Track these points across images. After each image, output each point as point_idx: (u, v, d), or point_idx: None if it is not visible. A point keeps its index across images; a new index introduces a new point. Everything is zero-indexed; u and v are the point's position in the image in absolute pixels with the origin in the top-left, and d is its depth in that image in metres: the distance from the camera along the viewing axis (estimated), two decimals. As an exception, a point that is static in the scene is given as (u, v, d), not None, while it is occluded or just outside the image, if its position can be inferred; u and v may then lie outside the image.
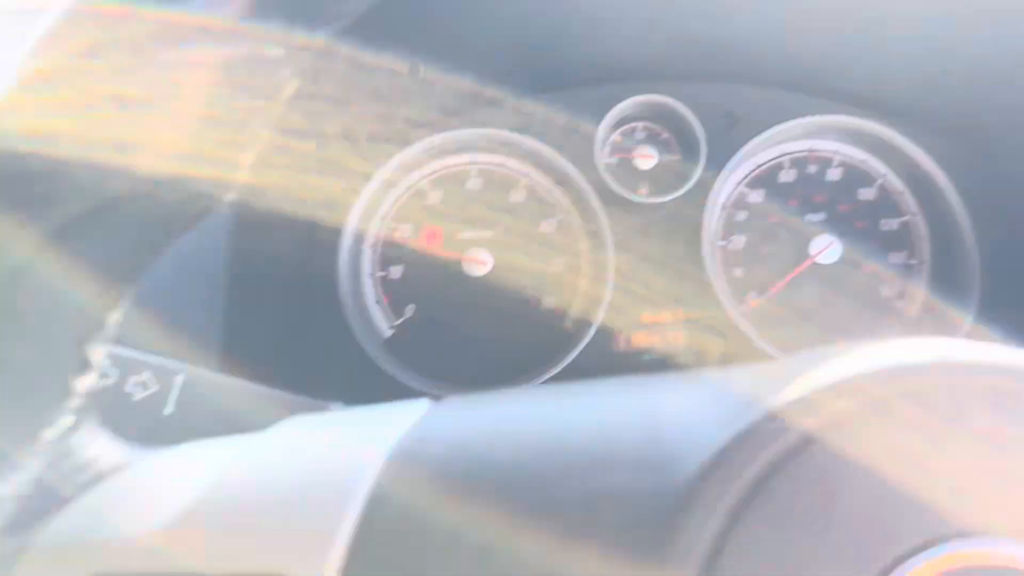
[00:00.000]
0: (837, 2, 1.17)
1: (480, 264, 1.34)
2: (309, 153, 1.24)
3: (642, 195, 1.38)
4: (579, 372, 1.31)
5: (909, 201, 1.41)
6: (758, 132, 1.37)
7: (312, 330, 1.30)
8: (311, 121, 1.13)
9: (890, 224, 1.40)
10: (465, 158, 1.40)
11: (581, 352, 1.31)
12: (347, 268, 1.33)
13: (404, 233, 1.37)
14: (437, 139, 1.35)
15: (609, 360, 1.36)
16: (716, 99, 1.38)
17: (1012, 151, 1.28)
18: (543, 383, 1.29)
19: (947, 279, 1.37)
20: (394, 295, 1.36)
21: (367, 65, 1.15)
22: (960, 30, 1.13)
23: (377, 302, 1.36)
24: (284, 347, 1.28)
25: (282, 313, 1.30)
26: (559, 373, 1.30)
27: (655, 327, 1.37)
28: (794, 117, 1.37)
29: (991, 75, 1.20)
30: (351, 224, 1.33)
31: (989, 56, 1.17)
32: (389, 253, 1.37)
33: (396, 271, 1.37)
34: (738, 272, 1.39)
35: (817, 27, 1.24)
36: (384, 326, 1.35)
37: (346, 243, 1.32)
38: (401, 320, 1.36)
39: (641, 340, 1.37)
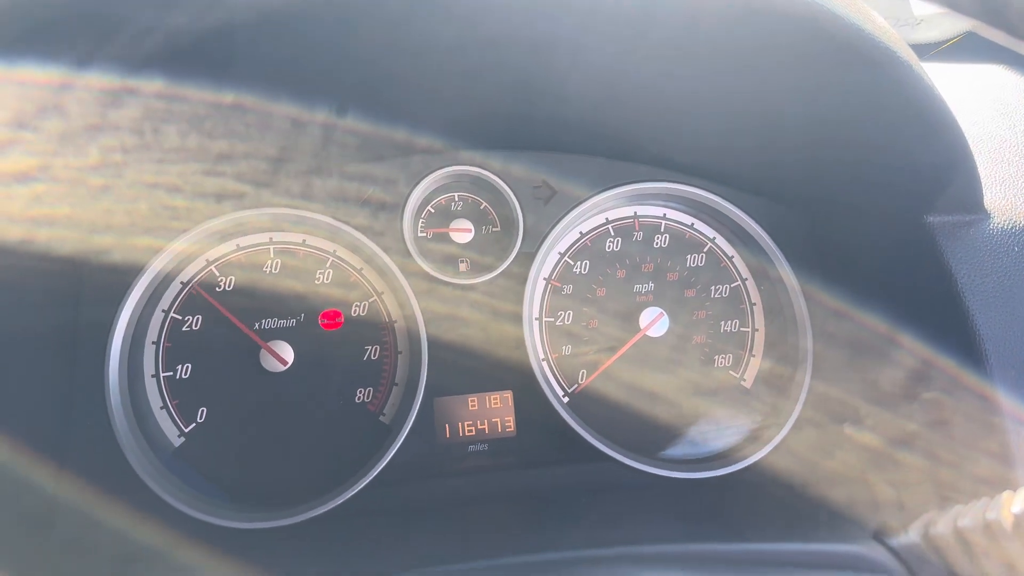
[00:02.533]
0: (654, 79, 1.09)
1: (280, 358, 1.20)
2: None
3: (459, 273, 1.27)
4: (401, 469, 1.18)
5: (739, 266, 1.35)
6: (580, 201, 1.29)
7: (65, 448, 1.11)
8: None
9: (721, 291, 1.34)
10: (263, 237, 1.26)
11: (401, 447, 1.18)
12: (120, 368, 1.15)
13: (192, 326, 1.21)
14: (226, 220, 1.20)
15: (432, 454, 1.23)
16: (533, 169, 1.29)
17: (834, 217, 1.24)
18: (365, 487, 1.15)
19: (780, 344, 1.31)
20: (181, 399, 1.19)
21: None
22: (780, 102, 1.08)
23: (163, 407, 1.19)
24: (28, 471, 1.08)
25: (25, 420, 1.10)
26: (380, 473, 1.16)
27: (482, 415, 1.25)
28: (616, 184, 1.30)
29: (809, 144, 1.16)
30: (126, 316, 1.16)
31: (809, 126, 1.12)
32: (175, 350, 1.20)
33: (184, 371, 1.20)
34: (567, 349, 1.29)
35: (637, 100, 1.17)
36: (173, 434, 1.18)
37: (118, 339, 1.15)
38: (193, 426, 1.19)
39: (467, 430, 1.25)
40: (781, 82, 1.02)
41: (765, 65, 0.98)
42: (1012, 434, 0.91)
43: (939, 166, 1.00)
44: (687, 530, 0.84)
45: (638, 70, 1.06)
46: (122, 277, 1.16)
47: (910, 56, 0.90)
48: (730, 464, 1.19)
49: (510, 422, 1.25)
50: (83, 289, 1.16)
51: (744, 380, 1.32)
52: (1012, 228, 1.06)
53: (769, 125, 1.11)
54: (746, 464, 1.19)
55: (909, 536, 0.74)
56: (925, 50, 1.67)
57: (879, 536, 0.74)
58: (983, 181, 1.11)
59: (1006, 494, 0.75)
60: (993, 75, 1.50)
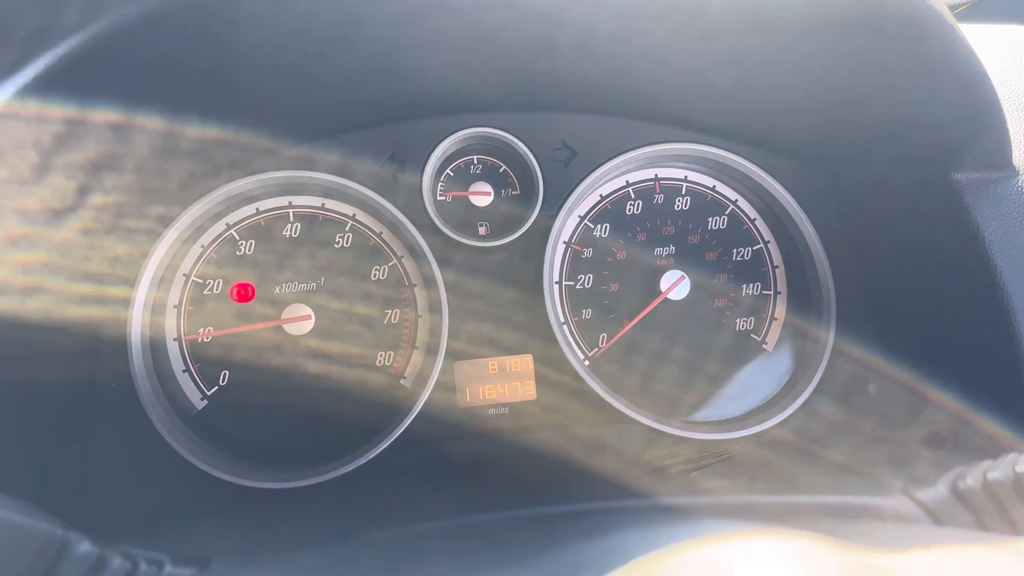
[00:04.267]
0: (675, 39, 1.07)
1: (300, 321, 1.20)
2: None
3: (479, 236, 1.27)
4: (422, 432, 1.19)
5: (761, 229, 1.34)
6: (600, 163, 1.28)
7: (92, 416, 1.12)
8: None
9: (743, 254, 1.33)
10: (283, 201, 1.26)
11: (421, 411, 1.18)
12: (143, 332, 1.16)
13: (213, 290, 1.22)
14: (248, 182, 1.20)
15: (453, 416, 1.23)
16: (552, 131, 1.28)
17: (858, 176, 1.22)
18: (386, 448, 1.15)
19: (803, 307, 1.30)
20: (204, 362, 1.20)
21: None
22: (804, 60, 1.06)
23: (185, 370, 1.20)
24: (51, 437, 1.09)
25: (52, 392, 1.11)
26: (400, 437, 1.17)
27: (502, 378, 1.25)
28: (637, 146, 1.28)
29: (835, 104, 1.14)
30: (147, 281, 1.17)
31: (832, 87, 1.10)
32: (196, 313, 1.21)
33: (206, 333, 1.21)
34: (587, 313, 1.29)
35: (657, 60, 1.15)
36: (196, 397, 1.19)
37: (139, 303, 1.15)
38: (215, 389, 1.20)
39: (487, 393, 1.25)
40: (806, 41, 1.01)
41: (789, 24, 0.96)
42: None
43: (968, 122, 0.99)
44: (714, 483, 0.84)
45: (659, 30, 1.05)
46: (144, 240, 1.16)
47: (940, 7, 0.88)
48: (753, 426, 1.18)
49: (531, 386, 1.25)
50: (106, 255, 1.16)
51: (766, 343, 1.31)
52: (1041, 185, 1.04)
53: (793, 84, 1.10)
54: (770, 425, 1.18)
55: (938, 490, 0.74)
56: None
57: (907, 490, 0.74)
58: (1014, 137, 1.09)
59: None
60: (1017, 34, 1.47)
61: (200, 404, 1.19)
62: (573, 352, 1.23)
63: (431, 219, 1.23)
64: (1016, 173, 1.06)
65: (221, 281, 1.22)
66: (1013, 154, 1.06)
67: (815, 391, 1.21)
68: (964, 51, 0.90)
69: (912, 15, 0.86)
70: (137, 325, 1.15)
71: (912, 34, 0.90)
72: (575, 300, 1.29)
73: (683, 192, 1.33)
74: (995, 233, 1.00)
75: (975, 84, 0.93)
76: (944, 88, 0.95)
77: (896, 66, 0.97)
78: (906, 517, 0.70)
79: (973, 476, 0.75)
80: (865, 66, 1.01)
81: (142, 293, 1.16)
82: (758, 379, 1.29)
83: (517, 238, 1.25)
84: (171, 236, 1.17)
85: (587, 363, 1.27)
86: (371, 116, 1.24)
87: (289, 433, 1.20)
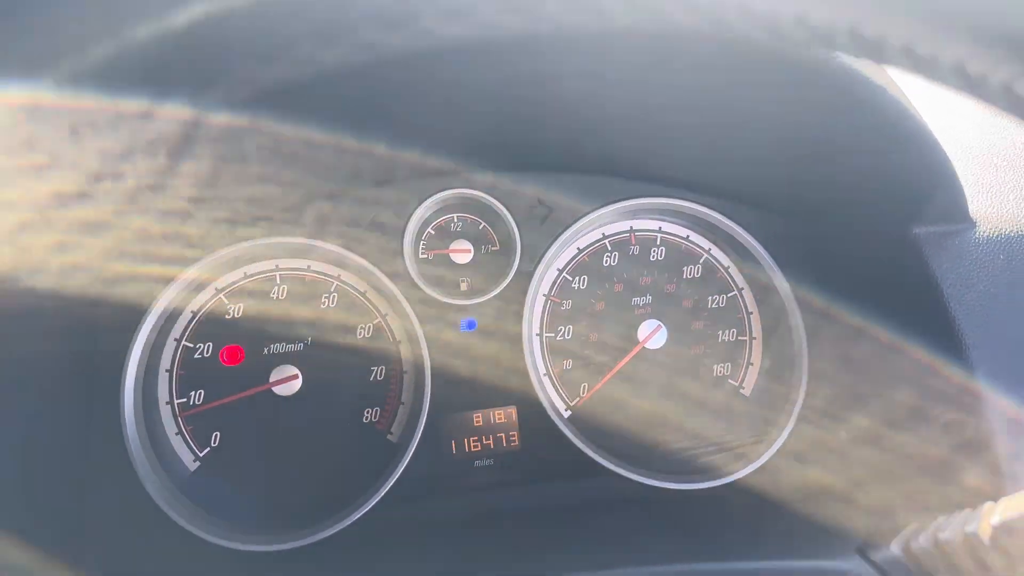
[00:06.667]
0: (649, 105, 1.12)
1: (289, 382, 1.24)
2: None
3: (460, 293, 1.31)
4: (410, 486, 1.22)
5: (735, 276, 1.38)
6: (576, 219, 1.32)
7: (85, 480, 1.16)
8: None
9: (718, 301, 1.37)
10: (270, 264, 1.30)
11: (407, 466, 1.22)
12: (135, 397, 1.20)
13: (203, 353, 1.25)
14: (237, 248, 1.24)
15: (440, 470, 1.27)
16: (529, 189, 1.32)
17: (824, 228, 1.26)
18: (375, 505, 1.19)
19: (777, 352, 1.34)
20: (196, 425, 1.24)
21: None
22: (767, 123, 1.11)
23: (178, 433, 1.23)
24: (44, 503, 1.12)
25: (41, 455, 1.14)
26: (389, 491, 1.20)
27: (486, 430, 1.29)
28: (612, 201, 1.33)
29: (799, 163, 1.18)
30: (139, 346, 1.20)
31: (796, 148, 1.14)
32: (187, 377, 1.25)
33: (197, 397, 1.24)
34: (568, 364, 1.33)
35: (629, 121, 1.19)
36: (188, 459, 1.23)
37: (132, 368, 1.19)
38: (207, 450, 1.23)
39: (472, 446, 1.28)
40: (767, 106, 1.05)
41: (752, 92, 1.01)
42: (999, 444, 0.94)
43: (920, 182, 1.03)
44: (677, 548, 0.87)
45: (632, 95, 1.09)
46: (135, 308, 1.20)
47: (887, 81, 0.92)
48: (727, 475, 1.22)
49: (515, 437, 1.29)
50: (98, 320, 1.20)
51: (743, 388, 1.35)
52: (997, 236, 1.08)
53: (757, 144, 1.14)
54: (742, 475, 1.22)
55: (891, 550, 0.77)
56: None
57: (862, 551, 0.77)
58: (973, 188, 1.13)
59: (987, 506, 0.78)
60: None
61: (193, 466, 1.23)
62: (553, 403, 1.27)
63: (413, 279, 1.27)
64: (973, 225, 1.10)
65: (211, 345, 1.26)
66: (972, 205, 1.10)
67: (789, 437, 1.24)
68: (915, 122, 0.95)
69: (871, 97, 0.91)
70: (129, 390, 1.18)
71: (869, 108, 0.94)
72: (556, 351, 1.32)
73: (658, 243, 1.37)
74: (952, 286, 1.03)
75: (919, 145, 0.97)
76: (898, 153, 0.99)
77: (855, 132, 1.02)
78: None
79: (925, 536, 0.78)
80: (827, 131, 1.05)
81: (134, 359, 1.19)
82: (737, 425, 1.32)
83: (497, 294, 1.29)
84: (162, 303, 1.20)
85: (569, 413, 1.30)
86: (354, 181, 1.28)
87: (280, 492, 1.24)
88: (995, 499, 0.78)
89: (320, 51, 0.34)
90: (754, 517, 1.10)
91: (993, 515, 0.76)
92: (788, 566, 0.78)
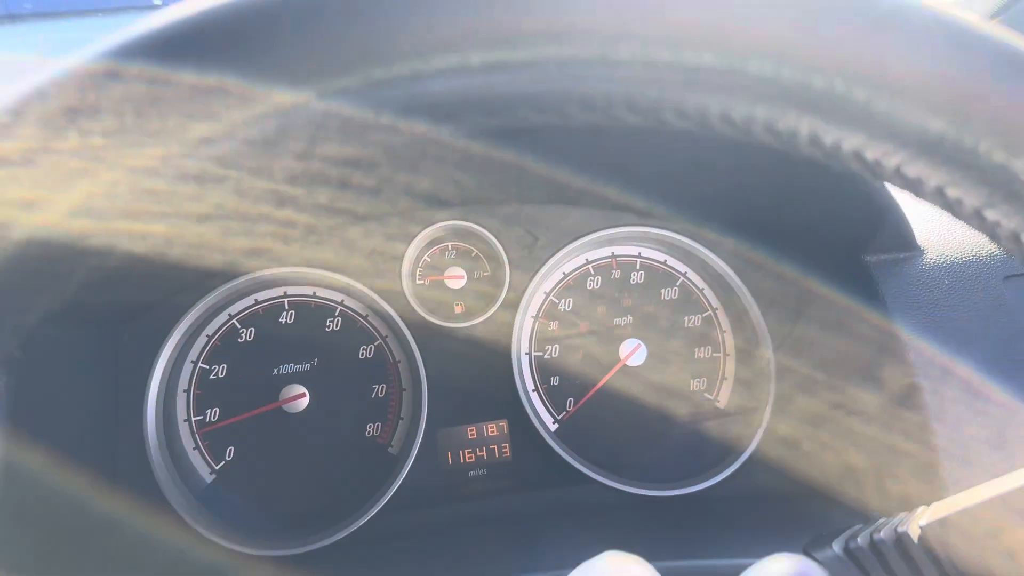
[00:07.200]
0: (621, 149, 1.23)
1: (296, 400, 1.34)
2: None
3: (454, 316, 1.42)
4: (409, 496, 1.32)
5: (709, 297, 1.49)
6: (561, 246, 1.42)
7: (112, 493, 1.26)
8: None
9: (694, 320, 1.48)
10: (278, 292, 1.41)
11: (407, 477, 1.32)
12: (156, 416, 1.30)
13: (218, 374, 1.36)
14: (248, 279, 1.35)
15: (437, 480, 1.37)
16: (518, 220, 1.43)
17: (787, 255, 1.37)
18: (377, 513, 1.29)
19: (748, 367, 1.44)
20: (211, 441, 1.34)
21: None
22: (734, 167, 1.21)
23: (195, 448, 1.34)
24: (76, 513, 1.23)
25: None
26: (389, 500, 1.31)
27: (480, 442, 1.39)
28: (594, 230, 1.43)
29: (759, 198, 1.29)
30: (160, 368, 1.31)
31: (757, 187, 1.25)
32: (203, 396, 1.35)
33: (212, 414, 1.35)
34: (555, 380, 1.43)
35: (613, 162, 1.30)
36: (205, 472, 1.33)
37: (153, 390, 1.30)
38: (222, 464, 1.34)
39: (467, 457, 1.39)
40: (729, 156, 1.16)
41: (714, 148, 1.12)
42: (942, 453, 1.04)
43: (867, 217, 1.14)
44: (652, 548, 0.97)
45: (611, 150, 1.21)
46: (156, 335, 1.31)
47: None
48: (699, 483, 1.32)
49: (506, 448, 1.39)
50: (121, 348, 1.31)
51: (718, 401, 1.45)
52: (942, 262, 1.19)
53: (725, 183, 1.25)
54: (712, 483, 1.32)
55: (833, 550, 0.87)
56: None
57: (807, 550, 0.87)
58: (922, 215, 1.24)
59: (920, 508, 0.88)
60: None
61: (209, 478, 1.33)
62: (541, 417, 1.38)
63: (411, 305, 1.37)
64: (921, 252, 1.20)
65: (225, 366, 1.36)
66: (920, 233, 1.21)
67: (756, 448, 1.35)
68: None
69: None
70: (151, 409, 1.29)
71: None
72: (543, 369, 1.43)
73: (638, 267, 1.48)
74: (900, 309, 1.14)
75: (868, 188, 1.08)
76: (844, 194, 1.10)
77: (805, 177, 1.13)
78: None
79: (863, 536, 0.88)
80: (782, 177, 1.16)
81: (155, 381, 1.30)
82: (713, 435, 1.43)
83: (489, 316, 1.40)
84: (182, 328, 1.31)
85: (556, 426, 1.41)
86: (352, 214, 1.39)
87: (289, 501, 1.34)
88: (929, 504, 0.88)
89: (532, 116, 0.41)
90: (724, 520, 1.20)
91: (923, 516, 0.87)
92: (734, 563, 0.88)
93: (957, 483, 1.06)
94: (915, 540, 0.85)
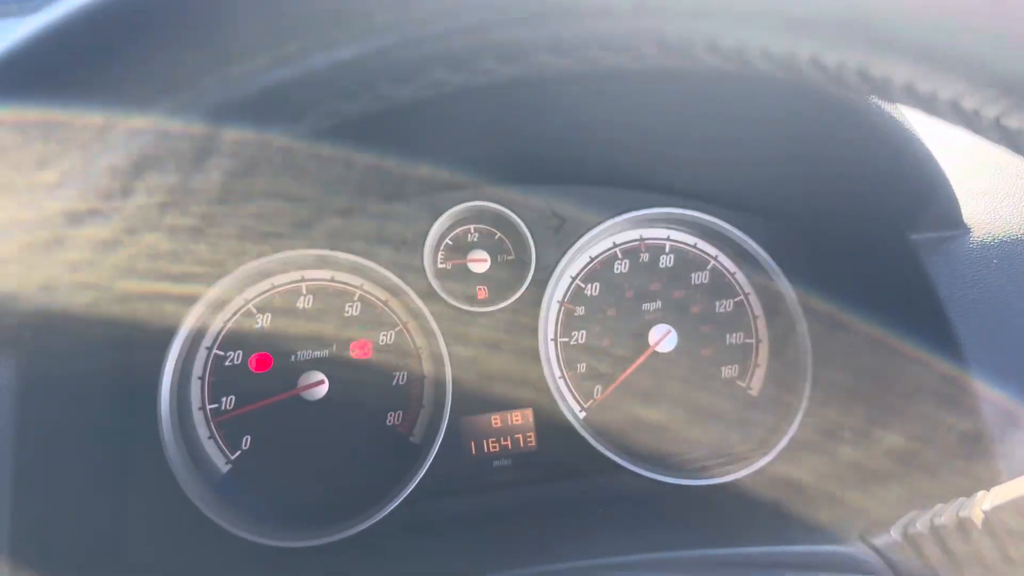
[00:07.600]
0: (659, 124, 1.18)
1: (315, 387, 1.30)
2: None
3: (478, 301, 1.37)
4: (432, 486, 1.28)
5: (741, 281, 1.44)
6: (588, 229, 1.38)
7: (125, 484, 1.22)
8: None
9: (725, 305, 1.42)
10: (296, 275, 1.36)
11: (430, 466, 1.28)
12: (170, 404, 1.25)
13: (234, 361, 1.31)
14: (261, 262, 1.30)
15: (460, 470, 1.33)
16: (544, 201, 1.38)
17: (826, 236, 1.32)
18: (399, 504, 1.24)
19: (783, 354, 1.39)
20: (227, 429, 1.30)
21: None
22: (771, 140, 1.17)
23: (210, 437, 1.29)
24: (90, 508, 1.19)
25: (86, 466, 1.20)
26: (412, 491, 1.26)
27: (504, 432, 1.35)
28: (622, 212, 1.38)
29: (802, 176, 1.24)
30: (174, 355, 1.26)
31: (799, 163, 1.20)
32: (219, 383, 1.31)
33: (228, 402, 1.30)
34: (581, 367, 1.38)
35: (640, 137, 1.25)
36: (220, 461, 1.29)
37: (167, 377, 1.25)
38: (238, 453, 1.29)
39: (491, 446, 1.34)
40: (768, 122, 1.11)
41: (753, 110, 1.07)
42: (993, 440, 0.99)
43: (916, 193, 1.08)
44: (688, 538, 0.93)
45: (641, 115, 1.16)
46: (169, 319, 1.26)
47: (899, 116, 0.99)
48: (735, 472, 1.27)
49: (531, 437, 1.35)
50: (135, 334, 1.26)
51: (751, 388, 1.40)
52: (991, 241, 1.14)
53: (759, 157, 1.20)
54: (749, 472, 1.27)
55: (891, 535, 0.82)
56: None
57: (864, 536, 0.83)
58: (967, 193, 1.19)
59: (980, 493, 0.84)
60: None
61: (225, 468, 1.28)
62: (568, 405, 1.33)
63: (433, 288, 1.33)
64: (968, 231, 1.15)
65: (241, 353, 1.32)
66: (966, 211, 1.16)
67: (793, 437, 1.30)
68: (908, 134, 1.00)
69: (867, 113, 0.97)
70: (165, 394, 1.24)
71: (865, 123, 1.00)
72: (570, 355, 1.38)
73: (667, 250, 1.43)
74: (948, 289, 1.09)
75: (914, 159, 1.03)
76: (893, 164, 1.05)
77: (851, 146, 1.08)
78: (864, 567, 0.79)
79: (922, 521, 0.84)
80: (825, 145, 1.11)
81: (169, 366, 1.25)
82: (746, 423, 1.38)
83: (513, 301, 1.35)
84: (196, 312, 1.26)
85: (583, 415, 1.36)
86: (378, 196, 1.34)
87: (308, 492, 1.29)
88: (989, 489, 0.84)
89: (395, 89, 0.39)
90: (762, 510, 1.15)
91: (984, 501, 0.82)
92: (794, 551, 0.83)
93: (1009, 461, 1.01)
94: (978, 524, 0.80)
